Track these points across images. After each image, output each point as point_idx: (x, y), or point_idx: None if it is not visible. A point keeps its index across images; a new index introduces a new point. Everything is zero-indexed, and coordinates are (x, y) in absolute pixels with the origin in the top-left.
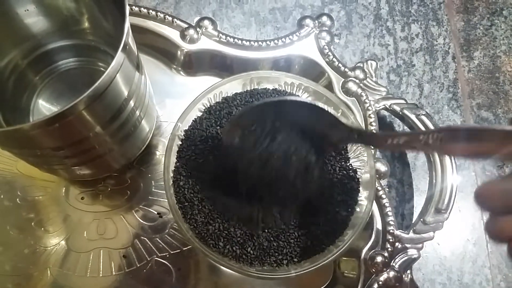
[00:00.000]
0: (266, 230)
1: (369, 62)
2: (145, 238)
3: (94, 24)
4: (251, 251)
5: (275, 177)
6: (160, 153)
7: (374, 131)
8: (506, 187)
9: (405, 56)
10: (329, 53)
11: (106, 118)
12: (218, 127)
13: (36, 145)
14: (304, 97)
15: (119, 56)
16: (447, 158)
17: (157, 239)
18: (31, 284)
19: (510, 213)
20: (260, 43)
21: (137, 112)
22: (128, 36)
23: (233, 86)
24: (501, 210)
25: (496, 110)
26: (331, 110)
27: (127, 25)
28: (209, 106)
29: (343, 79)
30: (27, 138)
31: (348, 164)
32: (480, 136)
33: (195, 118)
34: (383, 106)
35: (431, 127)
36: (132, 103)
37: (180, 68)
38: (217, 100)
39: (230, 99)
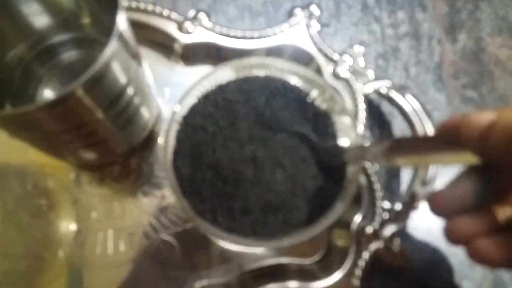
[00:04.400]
0: (261, 204)
1: (357, 47)
2: (150, 217)
3: (93, 18)
4: (247, 225)
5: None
6: (161, 139)
7: (334, 145)
8: (454, 192)
9: (392, 41)
10: (319, 40)
11: (105, 103)
12: (214, 111)
13: (41, 129)
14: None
15: (112, 43)
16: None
17: (162, 218)
18: (43, 265)
19: (463, 215)
20: (252, 33)
21: (136, 99)
22: (119, 26)
23: (226, 73)
24: (455, 214)
25: (481, 89)
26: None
27: (118, 14)
28: (205, 93)
29: (332, 64)
30: (32, 122)
31: (335, 139)
32: (419, 144)
33: (192, 104)
34: (371, 89)
35: (418, 106)
36: (130, 90)
37: (178, 59)
38: (212, 87)
39: (225, 86)
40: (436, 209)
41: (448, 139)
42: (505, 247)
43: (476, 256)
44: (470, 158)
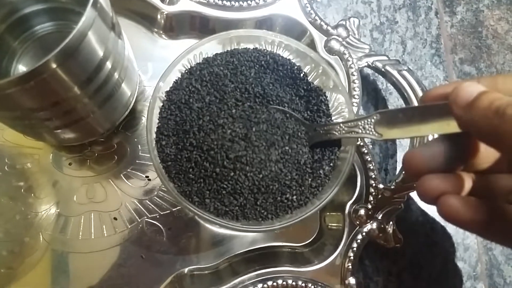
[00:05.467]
0: (250, 185)
1: (351, 19)
2: (135, 201)
3: None
4: (237, 207)
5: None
6: (145, 118)
7: (323, 122)
8: (425, 152)
9: (388, 13)
10: (311, 11)
11: (82, 78)
12: (200, 86)
13: (16, 106)
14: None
15: (89, 12)
16: None
17: (147, 201)
18: (25, 250)
19: (433, 174)
20: (241, 3)
21: (116, 74)
22: None
23: (213, 46)
24: (426, 172)
25: (478, 64)
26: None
27: None
28: (189, 67)
29: (325, 38)
30: (5, 98)
31: (330, 119)
32: (405, 114)
33: (176, 79)
34: (366, 64)
35: (413, 82)
36: (109, 64)
37: (161, 32)
38: (198, 61)
39: (211, 59)
40: (409, 167)
41: (433, 108)
42: (473, 208)
43: (444, 212)
44: (452, 127)
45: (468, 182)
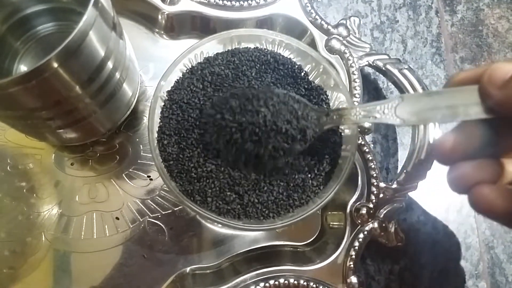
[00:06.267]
0: (252, 184)
1: (352, 19)
2: (137, 200)
3: None
4: (238, 206)
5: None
6: (147, 118)
7: (340, 107)
8: (459, 136)
9: (389, 12)
10: (312, 11)
11: (84, 78)
12: (201, 86)
13: (18, 105)
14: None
15: (90, 11)
16: None
17: (149, 200)
18: (27, 250)
19: (467, 161)
20: (242, 2)
21: (117, 74)
22: None
23: (214, 46)
24: (458, 159)
25: (479, 63)
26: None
27: None
28: (190, 66)
29: (326, 37)
30: (8, 98)
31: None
32: (431, 98)
33: (177, 79)
34: (367, 63)
35: (414, 81)
36: (110, 64)
37: (162, 32)
38: (199, 61)
39: (212, 59)
40: (441, 152)
41: (462, 92)
42: (508, 197)
43: (476, 204)
44: (483, 112)
45: (510, 168)
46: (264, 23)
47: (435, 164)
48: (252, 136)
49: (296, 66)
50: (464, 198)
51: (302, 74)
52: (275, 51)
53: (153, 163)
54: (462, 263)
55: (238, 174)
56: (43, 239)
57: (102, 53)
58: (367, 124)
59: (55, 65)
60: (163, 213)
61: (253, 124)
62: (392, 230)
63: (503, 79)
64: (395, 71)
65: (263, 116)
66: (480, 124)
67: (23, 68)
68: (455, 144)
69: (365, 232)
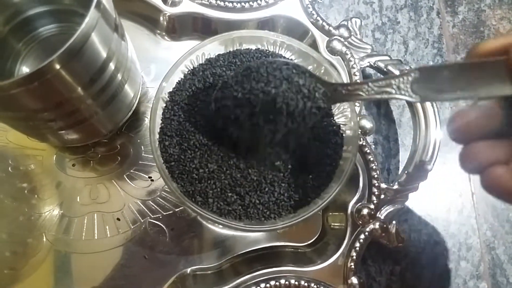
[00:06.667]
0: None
1: (353, 20)
2: (138, 201)
3: None
4: (239, 207)
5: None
6: (148, 119)
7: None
8: (480, 112)
9: (390, 13)
10: (313, 12)
11: (86, 79)
12: (203, 87)
13: (20, 107)
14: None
15: (92, 13)
16: (431, 113)
17: (150, 201)
18: (28, 250)
19: (482, 140)
20: (243, 4)
21: (119, 76)
22: None
23: (215, 47)
24: (473, 138)
25: None
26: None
27: None
28: (192, 68)
29: (327, 38)
30: (10, 99)
31: (332, 119)
32: (452, 72)
33: (178, 80)
34: (368, 64)
35: None
36: (112, 65)
37: (164, 33)
38: (200, 62)
39: (213, 60)
40: (457, 128)
41: (487, 65)
42: None
43: (489, 185)
44: (508, 88)
45: None
46: (266, 24)
47: (436, 165)
48: (260, 117)
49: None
50: (465, 199)
51: None
52: (277, 52)
53: (155, 164)
54: (463, 264)
55: (239, 175)
56: (44, 240)
57: (104, 54)
58: (368, 125)
59: (57, 66)
60: (164, 214)
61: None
62: (393, 231)
63: None
64: (397, 73)
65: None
66: (503, 101)
67: (25, 69)
68: (472, 122)
69: (366, 233)
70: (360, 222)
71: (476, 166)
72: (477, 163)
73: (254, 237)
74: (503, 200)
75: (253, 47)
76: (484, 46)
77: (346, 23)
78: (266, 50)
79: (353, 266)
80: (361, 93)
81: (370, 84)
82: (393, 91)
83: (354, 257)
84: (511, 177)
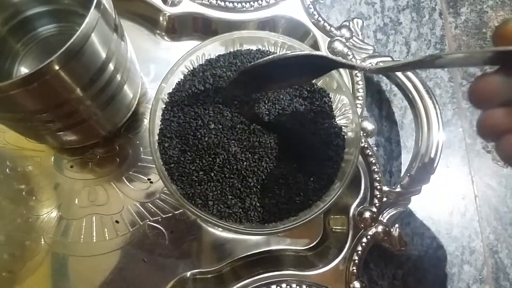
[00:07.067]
0: (254, 187)
1: (355, 20)
2: (137, 204)
3: None
4: (240, 209)
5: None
6: (147, 120)
7: None
8: (502, 79)
9: (392, 14)
10: (314, 12)
11: (85, 80)
12: (203, 88)
13: (19, 108)
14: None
15: (93, 13)
16: (433, 115)
17: (149, 204)
18: (26, 253)
19: (502, 107)
20: (244, 4)
21: (119, 76)
22: None
23: (215, 48)
24: (494, 104)
25: (484, 66)
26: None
27: None
28: (192, 68)
29: (329, 39)
30: (8, 100)
31: (333, 121)
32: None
33: (178, 81)
34: (370, 65)
35: (418, 83)
36: (111, 65)
37: (163, 33)
38: (200, 63)
39: (214, 61)
40: (478, 94)
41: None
42: None
43: (504, 151)
44: None
45: None
46: (266, 24)
47: (439, 168)
48: None
49: None
50: (468, 202)
51: None
52: (278, 53)
53: (154, 165)
54: (466, 267)
55: (240, 178)
56: (42, 242)
57: (103, 55)
58: (370, 127)
59: (57, 67)
60: (164, 216)
61: None
62: (396, 234)
63: None
64: (399, 73)
65: None
66: None
67: (23, 70)
68: (493, 87)
69: (368, 237)
70: (362, 226)
71: (493, 132)
72: (494, 129)
73: (255, 240)
74: None
75: (254, 47)
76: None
77: (347, 24)
78: (267, 50)
79: (355, 270)
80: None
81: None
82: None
83: (356, 261)
84: None
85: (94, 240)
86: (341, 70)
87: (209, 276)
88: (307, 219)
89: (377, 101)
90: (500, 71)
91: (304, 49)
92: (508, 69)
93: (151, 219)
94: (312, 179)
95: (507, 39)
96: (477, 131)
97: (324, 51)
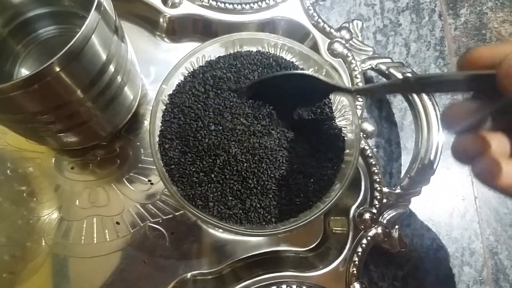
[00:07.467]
0: (255, 189)
1: (355, 22)
2: (137, 205)
3: None
4: (240, 211)
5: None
6: (148, 122)
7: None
8: (468, 107)
9: (392, 15)
10: (314, 14)
11: (85, 82)
12: (203, 89)
13: (20, 109)
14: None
15: (93, 15)
16: (433, 116)
17: (149, 205)
18: (27, 254)
19: (472, 131)
20: (243, 6)
21: (119, 78)
22: None
23: (216, 49)
24: (464, 129)
25: None
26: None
27: None
28: (192, 70)
29: (328, 40)
30: (9, 102)
31: (333, 122)
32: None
33: (178, 82)
34: (369, 66)
35: None
36: (112, 67)
37: (164, 35)
38: (200, 64)
39: (214, 62)
40: (448, 121)
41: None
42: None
43: (479, 175)
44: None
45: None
46: (266, 26)
47: (439, 169)
48: None
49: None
50: (468, 203)
51: None
52: (278, 54)
53: (154, 167)
54: (466, 269)
55: (240, 179)
56: (43, 243)
57: (104, 57)
58: (370, 128)
59: (57, 69)
60: (164, 217)
61: None
62: (396, 235)
63: None
64: (398, 75)
65: None
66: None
67: (24, 71)
68: (464, 114)
69: (368, 238)
70: (362, 227)
71: (466, 156)
72: (466, 153)
73: (255, 241)
74: (496, 191)
75: (254, 49)
76: (474, 55)
77: (347, 25)
78: (267, 52)
79: (355, 271)
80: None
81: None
82: None
83: (356, 262)
84: (499, 167)
85: (95, 242)
86: (341, 71)
87: (210, 277)
88: (307, 221)
89: (377, 102)
90: (470, 99)
91: (303, 50)
92: (479, 95)
93: (152, 220)
94: (312, 180)
95: (472, 66)
96: (452, 154)
97: (323, 53)
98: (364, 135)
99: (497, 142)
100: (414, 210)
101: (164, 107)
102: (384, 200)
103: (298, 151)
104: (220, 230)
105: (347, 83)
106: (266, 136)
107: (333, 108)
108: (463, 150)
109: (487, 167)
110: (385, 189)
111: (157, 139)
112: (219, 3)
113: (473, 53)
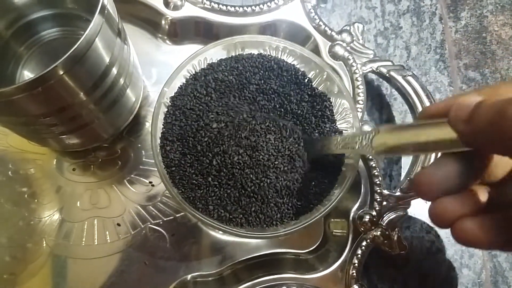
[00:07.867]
0: (255, 191)
1: (356, 25)
2: (138, 207)
3: None
4: (241, 214)
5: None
6: (149, 123)
7: (323, 136)
8: (439, 171)
9: (392, 18)
10: (315, 16)
11: (88, 84)
12: (205, 92)
13: (22, 112)
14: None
15: (97, 19)
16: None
17: (150, 207)
18: (28, 255)
19: (447, 196)
20: (245, 8)
21: (121, 80)
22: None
23: (217, 52)
24: (440, 194)
25: (483, 70)
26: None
27: None
28: (194, 72)
29: (329, 43)
30: (11, 104)
31: (334, 125)
32: (405, 131)
33: (180, 85)
34: (370, 69)
35: (418, 88)
36: (115, 70)
37: (165, 37)
38: (202, 67)
39: (215, 65)
40: (420, 190)
41: (433, 126)
42: (490, 228)
43: (460, 238)
44: (457, 145)
45: (483, 196)
46: (268, 29)
47: None
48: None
49: (300, 73)
50: None
51: (306, 80)
52: (279, 57)
53: (155, 169)
54: (465, 271)
55: (240, 182)
56: (44, 245)
57: (107, 59)
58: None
59: (61, 72)
60: (165, 219)
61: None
62: (395, 238)
63: (467, 112)
64: (399, 78)
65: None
66: (456, 156)
67: (26, 73)
68: (433, 180)
69: (368, 240)
70: (362, 229)
71: (444, 220)
72: (444, 218)
73: (255, 243)
74: (478, 249)
75: (255, 52)
76: (432, 109)
77: (348, 28)
78: (268, 55)
79: (355, 274)
80: (331, 147)
81: (339, 139)
82: (357, 146)
83: (356, 264)
84: (479, 229)
85: (96, 243)
86: (342, 74)
87: (210, 279)
88: (307, 223)
89: (378, 105)
90: (439, 161)
91: (305, 53)
92: (442, 159)
93: (153, 222)
94: (313, 183)
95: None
96: (430, 220)
97: (324, 56)
98: None
99: (474, 202)
100: (414, 213)
101: (166, 109)
102: (384, 203)
103: (298, 153)
104: (221, 232)
105: (348, 85)
106: (267, 141)
107: (334, 111)
108: (440, 215)
109: (467, 230)
110: (385, 192)
111: (158, 141)
112: (221, 6)
113: (429, 108)
